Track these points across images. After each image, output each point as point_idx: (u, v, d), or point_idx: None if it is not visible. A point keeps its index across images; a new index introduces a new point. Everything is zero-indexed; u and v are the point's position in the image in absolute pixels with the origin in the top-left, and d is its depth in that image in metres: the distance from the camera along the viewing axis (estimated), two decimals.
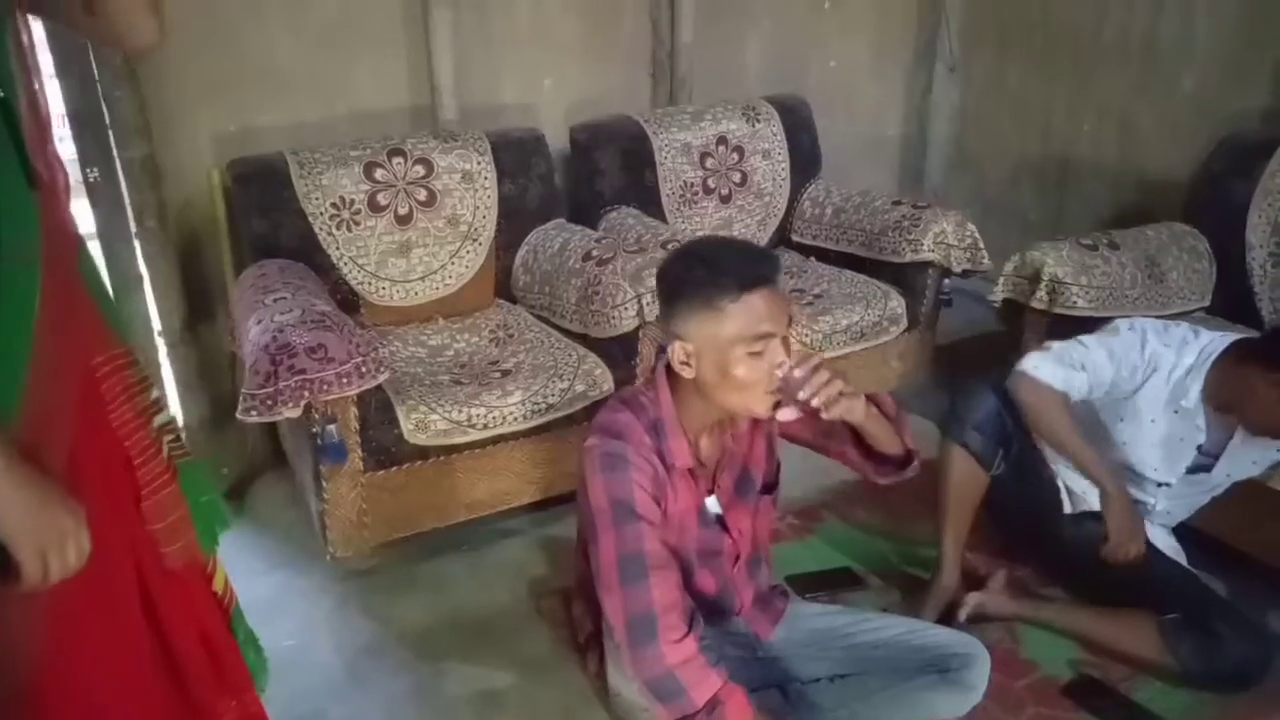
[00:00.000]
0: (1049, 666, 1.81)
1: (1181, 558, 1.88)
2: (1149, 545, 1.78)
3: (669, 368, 1.40)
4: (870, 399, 1.42)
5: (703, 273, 1.32)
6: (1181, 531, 1.94)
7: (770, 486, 1.59)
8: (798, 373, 1.28)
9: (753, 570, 1.61)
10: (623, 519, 1.35)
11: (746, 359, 1.30)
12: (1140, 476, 1.82)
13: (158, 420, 1.12)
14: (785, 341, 1.32)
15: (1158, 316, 2.04)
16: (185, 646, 1.13)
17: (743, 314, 1.29)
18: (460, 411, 1.99)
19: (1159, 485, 1.83)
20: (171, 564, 1.10)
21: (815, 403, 1.27)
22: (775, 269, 1.33)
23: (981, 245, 2.59)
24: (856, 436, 1.48)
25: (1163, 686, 1.74)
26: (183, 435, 1.16)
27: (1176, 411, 1.75)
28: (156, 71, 2.33)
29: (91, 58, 2.22)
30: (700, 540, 1.50)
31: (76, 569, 0.89)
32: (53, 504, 0.87)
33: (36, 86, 0.96)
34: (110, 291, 1.08)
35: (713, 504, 1.51)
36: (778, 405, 1.33)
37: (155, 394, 1.12)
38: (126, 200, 2.37)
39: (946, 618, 1.84)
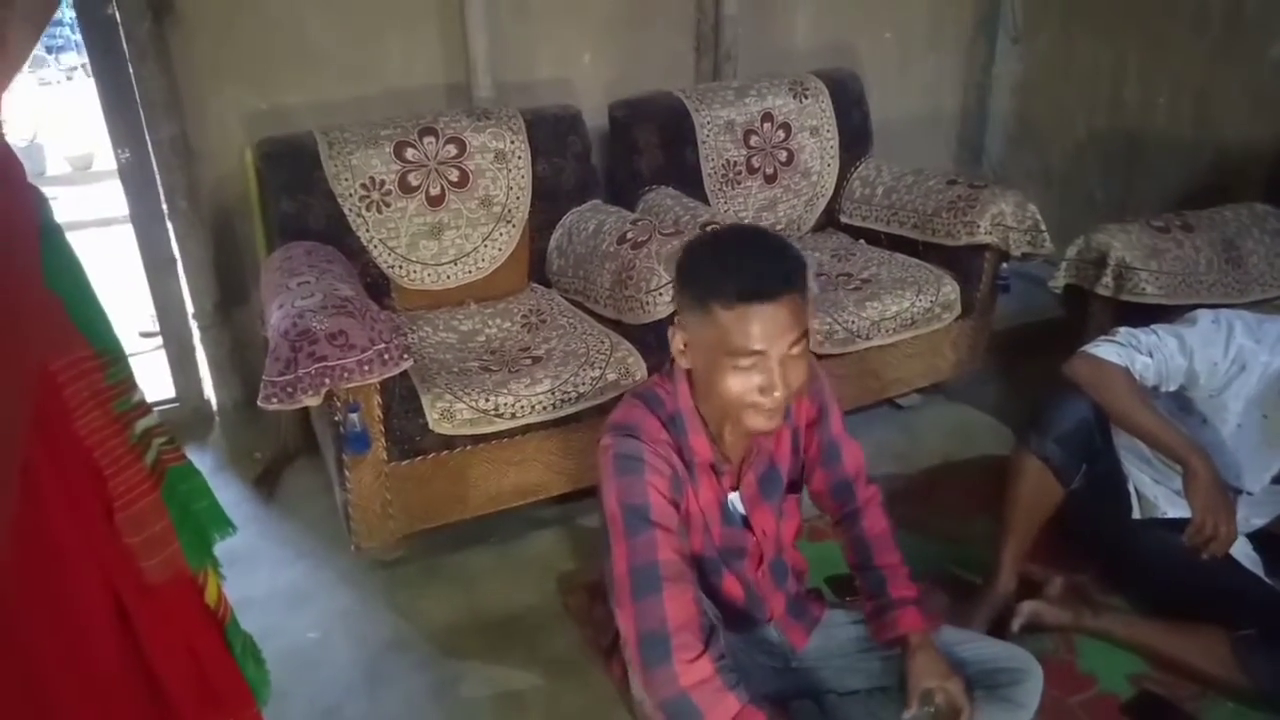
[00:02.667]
0: (1108, 681, 1.69)
1: (1259, 568, 1.73)
2: (1226, 554, 1.63)
3: None
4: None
5: (709, 269, 1.23)
6: (1257, 538, 1.79)
7: (796, 485, 1.49)
8: None
9: (779, 575, 1.51)
10: (636, 527, 1.26)
11: (731, 370, 1.22)
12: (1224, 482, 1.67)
13: (141, 424, 1.04)
14: (790, 361, 1.22)
15: (1235, 305, 1.88)
16: (168, 665, 1.07)
17: (734, 326, 1.20)
18: (487, 400, 1.92)
19: (1239, 493, 1.68)
20: (153, 578, 1.03)
21: None
22: (789, 285, 1.21)
23: (1043, 227, 2.43)
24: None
25: (1235, 708, 1.61)
26: (176, 438, 1.10)
27: (1266, 416, 1.59)
28: (187, 50, 2.29)
29: (121, 36, 2.19)
30: (724, 538, 1.42)
31: None
32: None
33: None
34: (88, 287, 1.00)
35: (736, 501, 1.42)
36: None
37: (137, 398, 1.05)
38: (158, 181, 2.35)
39: (999, 626, 1.73)
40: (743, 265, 1.21)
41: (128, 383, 1.04)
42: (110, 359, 1.01)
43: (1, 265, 0.86)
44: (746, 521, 1.43)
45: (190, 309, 2.48)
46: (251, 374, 2.58)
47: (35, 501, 0.89)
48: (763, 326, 1.19)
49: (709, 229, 1.51)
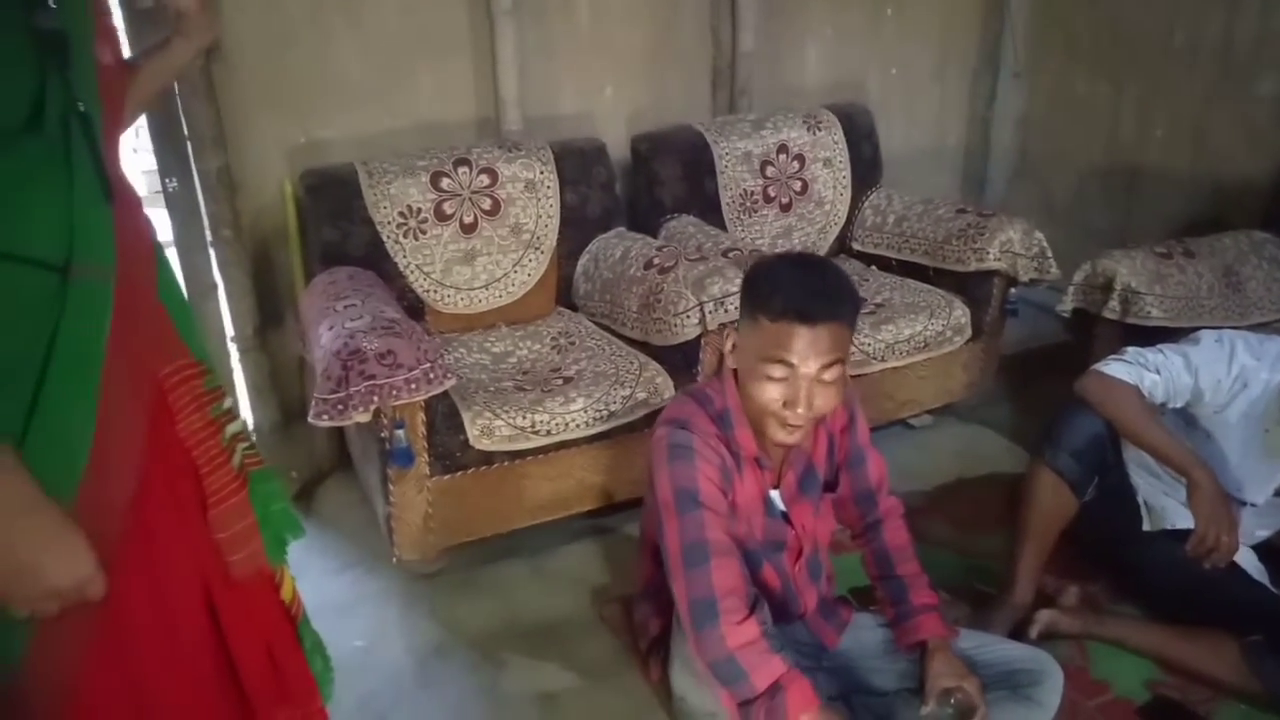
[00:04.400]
0: (1122, 686, 1.76)
1: (1264, 578, 1.81)
2: (1232, 563, 1.72)
3: None
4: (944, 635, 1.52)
5: (768, 283, 1.36)
6: (1263, 550, 1.87)
7: (831, 486, 1.60)
8: None
9: (814, 571, 1.60)
10: (687, 507, 1.37)
11: (763, 377, 1.34)
12: (1228, 494, 1.76)
13: (230, 429, 1.13)
14: (819, 385, 1.33)
15: (1236, 327, 1.98)
16: (248, 656, 1.14)
17: (772, 335, 1.32)
18: (524, 418, 2.01)
19: (1244, 504, 1.77)
20: (237, 573, 1.11)
21: None
22: (833, 314, 1.32)
23: (1049, 254, 2.54)
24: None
25: (1247, 710, 1.68)
26: (256, 444, 1.18)
27: (1267, 431, 1.69)
28: (232, 85, 2.40)
29: None
30: (765, 530, 1.51)
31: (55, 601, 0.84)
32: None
33: (113, 103, 1.00)
34: (185, 301, 1.11)
35: (777, 497, 1.53)
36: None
37: (228, 404, 1.14)
38: (203, 209, 2.45)
39: (1016, 635, 1.80)
40: (796, 286, 1.33)
41: (220, 390, 1.13)
42: (207, 367, 1.11)
43: (132, 281, 0.96)
44: (787, 516, 1.52)
45: (230, 332, 2.57)
46: (287, 396, 2.67)
47: (144, 494, 0.97)
48: (800, 344, 1.31)
49: (788, 254, 1.70)
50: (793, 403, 1.34)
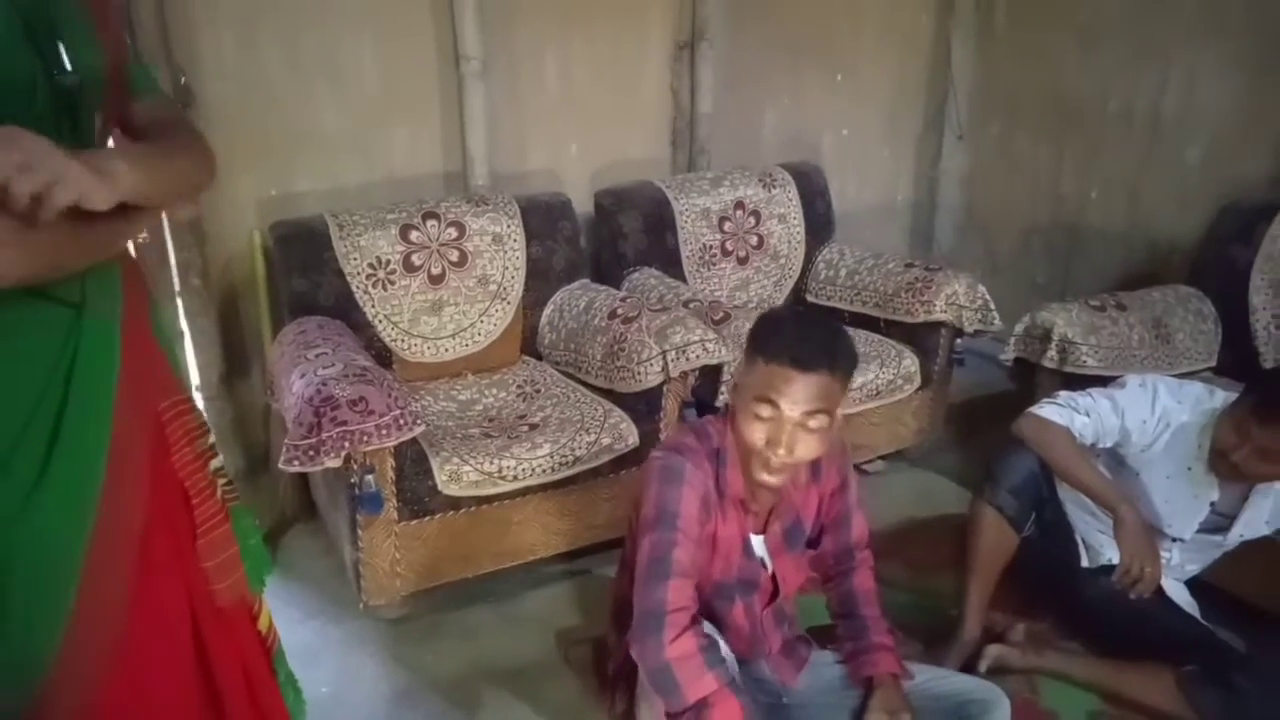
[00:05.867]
0: (1068, 717, 1.84)
1: (1196, 611, 1.91)
2: (1163, 597, 1.82)
3: None
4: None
5: (771, 329, 1.44)
6: (1196, 586, 1.98)
7: (813, 543, 1.66)
8: None
9: (780, 616, 1.66)
10: (664, 526, 1.44)
11: (751, 415, 1.41)
12: (1156, 530, 1.87)
13: (213, 464, 1.19)
14: (803, 431, 1.38)
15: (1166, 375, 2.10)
16: (228, 683, 1.18)
17: (765, 376, 1.39)
18: (491, 463, 2.05)
19: (1173, 540, 1.87)
20: (222, 601, 1.16)
21: None
22: (826, 366, 1.37)
23: (992, 306, 2.68)
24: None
25: None
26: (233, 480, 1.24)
27: (1190, 469, 1.80)
28: (206, 137, 2.45)
29: None
30: (740, 570, 1.57)
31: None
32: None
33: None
34: (174, 343, 1.17)
35: (757, 544, 1.58)
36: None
37: (210, 439, 1.20)
38: (172, 258, 2.48)
39: (967, 670, 1.87)
40: (795, 333, 1.41)
41: (205, 425, 1.19)
42: (193, 403, 1.17)
43: (136, 320, 1.03)
44: (764, 562, 1.59)
45: (196, 380, 2.59)
46: (251, 444, 2.69)
47: (147, 522, 1.02)
48: (788, 387, 1.37)
49: (797, 307, 1.79)
50: (774, 443, 1.39)
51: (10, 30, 0.90)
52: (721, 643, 1.46)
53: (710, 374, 2.32)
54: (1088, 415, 1.81)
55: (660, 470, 1.48)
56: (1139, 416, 1.82)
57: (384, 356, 2.44)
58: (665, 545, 1.43)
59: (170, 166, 1.01)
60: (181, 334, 2.57)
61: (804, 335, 1.41)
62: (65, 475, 0.95)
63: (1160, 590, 1.81)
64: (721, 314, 2.48)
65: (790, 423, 1.38)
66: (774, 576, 1.60)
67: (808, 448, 1.41)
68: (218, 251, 2.56)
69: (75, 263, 0.94)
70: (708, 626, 1.48)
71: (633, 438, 2.22)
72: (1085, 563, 1.96)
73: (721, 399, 2.33)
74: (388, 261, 2.44)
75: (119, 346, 1.01)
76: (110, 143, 1.07)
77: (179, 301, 2.53)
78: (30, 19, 0.92)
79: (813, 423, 1.39)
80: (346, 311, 2.39)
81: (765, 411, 1.39)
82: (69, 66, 0.94)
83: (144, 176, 0.94)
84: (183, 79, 2.37)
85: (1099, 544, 1.94)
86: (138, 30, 2.25)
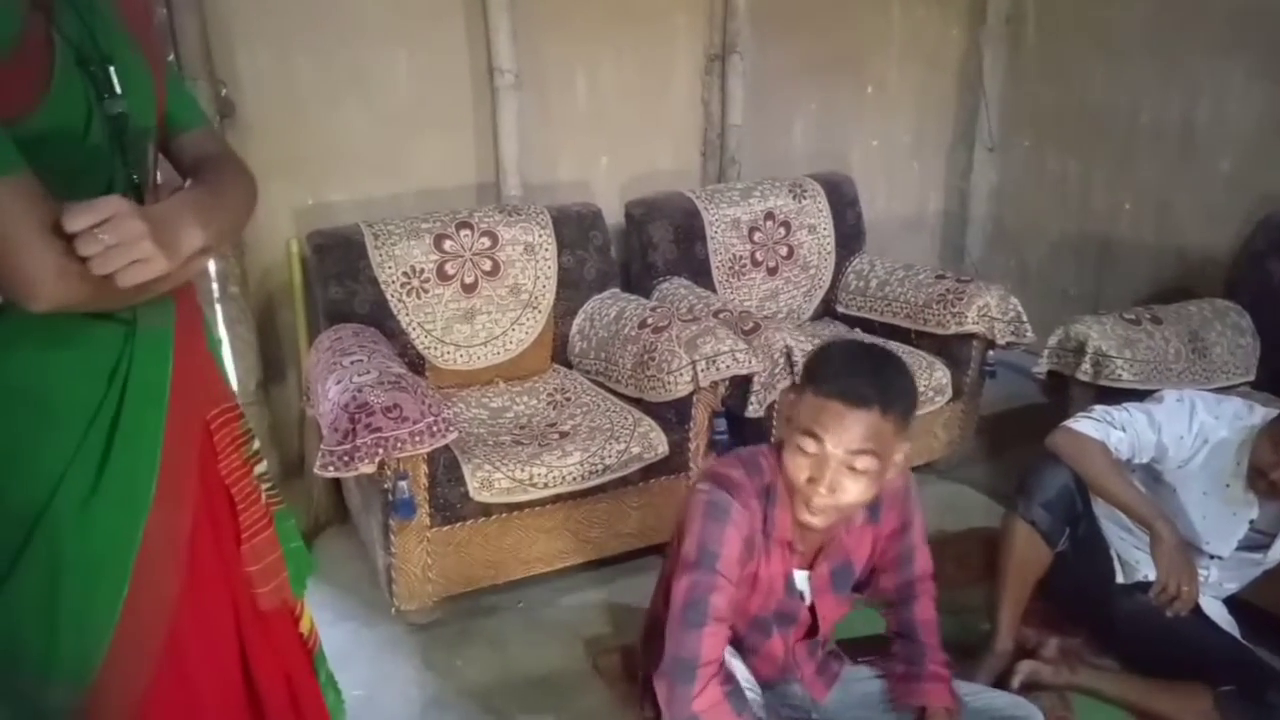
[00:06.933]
0: None
1: (1235, 630, 1.89)
2: (1200, 614, 1.79)
3: None
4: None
5: (825, 361, 1.38)
6: (1234, 605, 1.95)
7: (860, 586, 1.61)
8: None
9: (814, 649, 1.63)
10: (704, 567, 1.39)
11: (796, 449, 1.35)
12: (1194, 548, 1.84)
13: (258, 469, 1.22)
14: (848, 472, 1.32)
15: (1202, 389, 2.08)
16: (270, 685, 1.21)
17: (813, 409, 1.32)
18: (522, 470, 2.07)
19: (1212, 558, 1.85)
20: (265, 605, 1.19)
21: None
22: (872, 402, 1.30)
23: (1025, 318, 2.66)
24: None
25: None
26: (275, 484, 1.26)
27: (1228, 485, 1.78)
28: (245, 149, 2.48)
29: None
30: (781, 605, 1.53)
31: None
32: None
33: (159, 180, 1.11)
34: (221, 353, 1.20)
35: (801, 579, 1.53)
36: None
37: (256, 445, 1.23)
38: (212, 268, 2.53)
39: (1000, 684, 1.86)
40: (849, 366, 1.35)
41: (251, 432, 1.21)
42: (241, 410, 1.19)
43: (188, 331, 1.05)
44: (804, 596, 1.55)
45: (234, 387, 2.62)
46: (286, 449, 2.73)
47: (194, 527, 1.05)
48: (835, 422, 1.30)
49: (856, 338, 1.74)
50: (816, 481, 1.32)
51: (64, 60, 0.92)
52: (743, 673, 1.46)
53: (740, 384, 2.33)
54: (1124, 430, 1.80)
55: (706, 506, 1.41)
56: (1176, 432, 1.80)
57: (417, 364, 2.47)
58: (704, 588, 1.38)
59: (225, 211, 1.04)
60: (220, 341, 2.62)
61: (856, 368, 1.34)
62: (119, 482, 0.98)
63: (1198, 608, 1.79)
64: (751, 324, 2.48)
65: (834, 460, 1.31)
66: (813, 610, 1.56)
67: (852, 491, 1.33)
68: (256, 260, 2.60)
69: (132, 301, 0.97)
70: (742, 672, 1.47)
71: (662, 447, 2.23)
72: (1120, 579, 1.94)
73: (751, 409, 2.33)
74: (422, 270, 2.47)
75: (171, 356, 1.04)
76: (159, 175, 1.10)
77: (218, 309, 2.58)
78: (81, 47, 0.95)
79: (859, 464, 1.31)
80: (381, 319, 2.42)
81: (810, 446, 1.33)
82: (119, 91, 0.96)
83: (210, 233, 0.97)
84: (223, 91, 2.42)
85: (1135, 560, 1.92)
86: (181, 46, 2.31)
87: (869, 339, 2.77)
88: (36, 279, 0.85)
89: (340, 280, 2.40)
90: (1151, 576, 1.79)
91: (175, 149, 1.14)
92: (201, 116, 1.20)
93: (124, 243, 0.85)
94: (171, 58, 2.34)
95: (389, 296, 2.43)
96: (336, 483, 2.50)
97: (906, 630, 1.65)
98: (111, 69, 0.97)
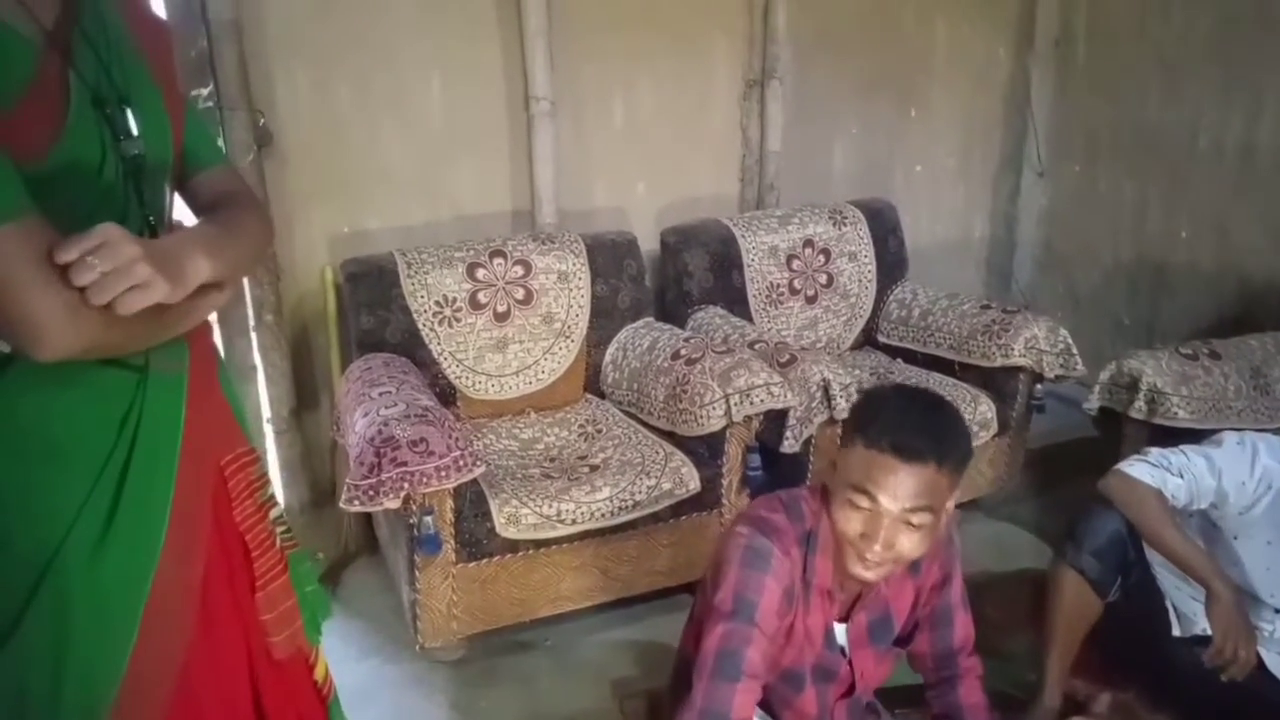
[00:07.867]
0: None
1: None
2: (1264, 671, 1.68)
3: None
4: None
5: (875, 409, 1.32)
6: None
7: (903, 641, 1.52)
8: None
9: (855, 711, 1.55)
10: (740, 617, 1.32)
11: (847, 504, 1.29)
12: (1256, 600, 1.74)
13: (273, 513, 1.20)
14: (903, 528, 1.26)
15: (1264, 429, 1.97)
16: None
17: (864, 463, 1.26)
18: (550, 506, 2.03)
19: (1276, 611, 1.74)
20: (279, 653, 1.16)
21: None
22: (927, 456, 1.24)
23: (1074, 351, 2.56)
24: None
25: None
26: (290, 526, 1.24)
27: None
28: (281, 178, 2.52)
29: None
30: (819, 658, 1.45)
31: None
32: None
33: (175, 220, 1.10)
34: (237, 394, 1.18)
35: (841, 633, 1.46)
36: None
37: (270, 489, 1.20)
38: (247, 294, 2.55)
39: None
40: (900, 416, 1.28)
41: (266, 476, 1.19)
42: (257, 455, 1.17)
43: (201, 375, 1.04)
44: (844, 651, 1.47)
45: (266, 414, 2.64)
46: (318, 477, 2.73)
47: (207, 576, 1.03)
48: (889, 479, 1.24)
49: (906, 384, 1.67)
50: (870, 538, 1.27)
51: (80, 101, 0.91)
52: None
53: (775, 418, 2.26)
54: (1181, 476, 1.70)
55: (744, 552, 1.35)
56: (1238, 477, 1.69)
57: (448, 394, 2.45)
58: (739, 640, 1.31)
59: (236, 246, 1.03)
60: (255, 368, 2.63)
61: (908, 420, 1.27)
62: (129, 530, 0.96)
63: (1260, 663, 1.68)
64: (787, 356, 2.42)
65: (889, 517, 1.25)
66: (852, 666, 1.47)
67: (910, 545, 1.27)
68: (291, 288, 2.61)
69: (145, 343, 0.96)
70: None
71: (694, 482, 2.17)
72: (1177, 631, 1.83)
73: (787, 444, 2.26)
74: (454, 299, 2.45)
75: (184, 402, 1.02)
76: (174, 212, 1.09)
77: (253, 336, 2.60)
78: (98, 88, 0.94)
79: (915, 519, 1.25)
80: (412, 349, 2.40)
81: (863, 502, 1.26)
82: (135, 132, 0.95)
83: (218, 265, 0.95)
84: (261, 120, 2.44)
85: (1192, 612, 1.81)
86: (220, 76, 2.34)
87: (914, 376, 2.70)
88: (42, 322, 0.83)
89: (372, 309, 2.39)
90: (1209, 630, 1.69)
91: (193, 186, 1.13)
92: (220, 154, 1.19)
93: (119, 268, 0.83)
94: (210, 88, 2.37)
95: (421, 325, 2.42)
96: (367, 513, 2.48)
97: (954, 714, 1.55)
98: (128, 110, 0.96)
